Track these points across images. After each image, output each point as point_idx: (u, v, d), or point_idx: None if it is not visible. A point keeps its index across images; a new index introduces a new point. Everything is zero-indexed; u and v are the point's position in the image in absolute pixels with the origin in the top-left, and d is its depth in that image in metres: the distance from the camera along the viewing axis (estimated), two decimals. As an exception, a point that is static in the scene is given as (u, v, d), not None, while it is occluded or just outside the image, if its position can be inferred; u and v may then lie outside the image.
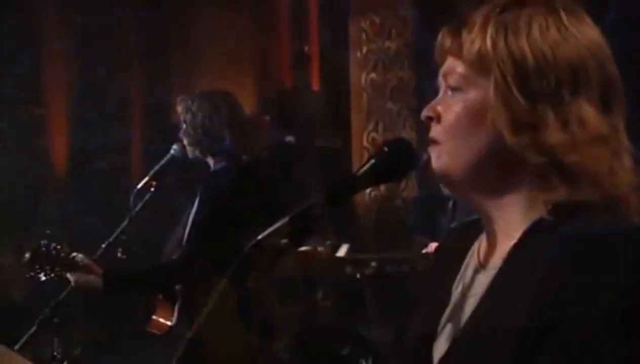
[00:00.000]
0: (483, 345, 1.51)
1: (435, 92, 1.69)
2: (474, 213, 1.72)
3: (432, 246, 3.42)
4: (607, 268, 1.47)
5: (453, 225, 1.72)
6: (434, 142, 1.61)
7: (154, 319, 4.01)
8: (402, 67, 8.52)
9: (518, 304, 1.48)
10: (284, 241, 1.57)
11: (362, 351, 3.44)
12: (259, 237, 1.56)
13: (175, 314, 3.92)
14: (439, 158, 1.61)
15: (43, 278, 3.69)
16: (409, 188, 8.01)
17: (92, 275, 3.63)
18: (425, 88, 8.18)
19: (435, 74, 1.69)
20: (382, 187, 8.41)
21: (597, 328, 1.44)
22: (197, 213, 3.66)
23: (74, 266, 3.66)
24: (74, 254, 3.68)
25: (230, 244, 3.46)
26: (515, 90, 1.56)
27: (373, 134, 8.24)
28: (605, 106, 1.59)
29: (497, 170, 1.60)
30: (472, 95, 1.60)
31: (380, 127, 8.30)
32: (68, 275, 3.65)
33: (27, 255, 3.65)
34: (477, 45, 1.59)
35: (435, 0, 8.43)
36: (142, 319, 3.96)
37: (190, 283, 3.72)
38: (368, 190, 8.52)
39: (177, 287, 3.83)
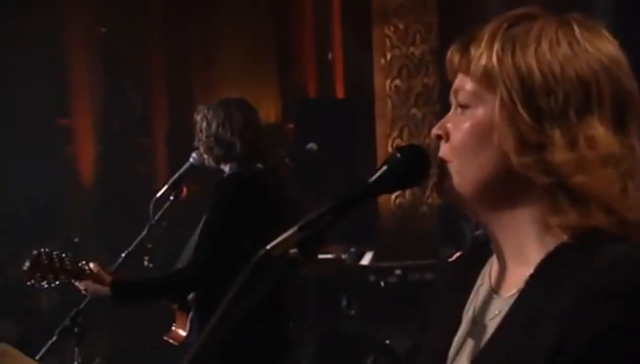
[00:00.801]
0: None
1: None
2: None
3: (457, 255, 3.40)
4: None
5: (478, 232, 1.67)
6: (443, 161, 1.58)
7: (173, 330, 4.00)
8: (427, 73, 8.49)
9: (543, 330, 1.44)
10: (293, 250, 1.54)
11: (385, 360, 3.41)
12: (268, 247, 1.53)
13: (188, 324, 3.90)
14: (448, 177, 1.58)
15: (45, 286, 3.69)
16: (434, 194, 7.96)
17: (101, 283, 3.61)
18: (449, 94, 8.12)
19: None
20: (407, 194, 8.37)
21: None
22: (205, 222, 3.65)
23: (80, 274, 3.65)
24: (83, 262, 3.67)
25: (237, 253, 3.46)
26: (520, 107, 1.51)
27: (398, 141, 8.20)
28: (619, 124, 1.53)
29: (505, 189, 1.55)
30: (480, 112, 1.56)
31: (405, 133, 8.26)
32: (77, 283, 3.65)
33: (27, 264, 3.65)
34: (483, 60, 1.54)
35: (458, 6, 8.42)
36: (163, 329, 3.96)
37: (201, 292, 3.70)
38: (393, 197, 8.48)
39: (190, 297, 3.81)
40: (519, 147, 1.50)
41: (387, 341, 5.08)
